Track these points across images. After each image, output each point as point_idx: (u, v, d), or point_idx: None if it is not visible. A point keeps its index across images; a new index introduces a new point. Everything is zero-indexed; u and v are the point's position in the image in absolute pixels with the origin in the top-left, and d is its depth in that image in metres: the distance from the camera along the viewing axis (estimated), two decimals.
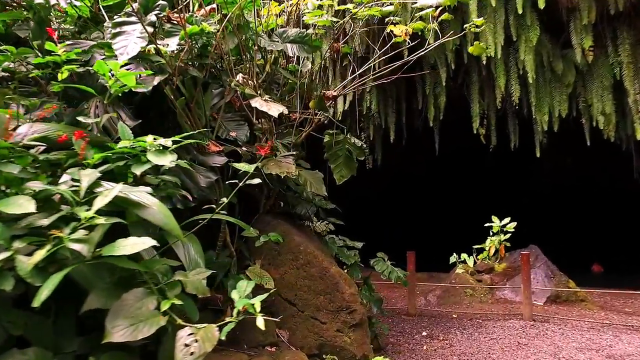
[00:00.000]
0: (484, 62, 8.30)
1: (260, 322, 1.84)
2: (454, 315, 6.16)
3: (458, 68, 9.39)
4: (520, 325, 5.48)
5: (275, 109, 3.00)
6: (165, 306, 1.77)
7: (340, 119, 10.12)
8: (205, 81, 3.21)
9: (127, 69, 3.11)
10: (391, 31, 4.14)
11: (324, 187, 3.76)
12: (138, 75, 2.81)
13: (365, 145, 4.27)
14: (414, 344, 4.84)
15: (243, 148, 3.39)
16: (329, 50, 4.53)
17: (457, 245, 8.60)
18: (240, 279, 3.23)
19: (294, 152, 3.54)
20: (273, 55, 4.05)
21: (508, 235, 7.74)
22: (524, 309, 5.82)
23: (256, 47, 3.62)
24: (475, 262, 7.85)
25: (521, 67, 8.31)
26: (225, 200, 3.28)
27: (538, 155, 9.28)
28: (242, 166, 2.93)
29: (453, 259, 7.80)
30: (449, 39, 4.66)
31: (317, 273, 3.50)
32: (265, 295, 2.02)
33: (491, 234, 7.89)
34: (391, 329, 5.41)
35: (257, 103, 3.01)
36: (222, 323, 1.85)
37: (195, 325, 1.78)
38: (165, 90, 2.87)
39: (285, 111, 3.12)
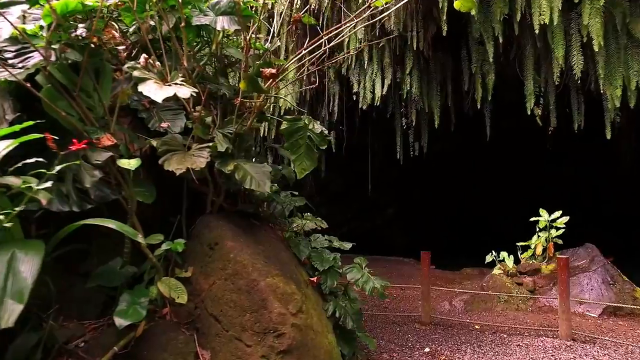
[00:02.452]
0: (537, 32, 6.90)
1: None
2: (476, 326, 5.13)
3: (509, 42, 8.07)
4: (552, 345, 4.36)
5: (161, 93, 2.39)
6: None
7: (378, 104, 9.29)
8: (99, 66, 2.68)
9: (29, 57, 2.71)
10: None
11: (267, 183, 3.09)
12: None
13: (326, 132, 3.49)
14: None
15: (154, 141, 2.83)
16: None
17: (511, 241, 7.33)
18: (144, 291, 2.73)
19: (210, 144, 2.90)
20: (221, 34, 3.42)
21: (560, 232, 6.38)
22: (561, 324, 4.65)
23: (183, 24, 3.01)
24: (519, 262, 6.60)
25: (585, 34, 6.81)
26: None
27: (608, 136, 7.69)
28: (123, 162, 2.37)
29: (490, 257, 6.61)
30: None
31: (245, 286, 2.87)
32: None
33: (537, 229, 6.57)
34: (392, 341, 4.60)
35: (144, 87, 2.42)
36: None
37: None
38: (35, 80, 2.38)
39: (184, 94, 2.49)
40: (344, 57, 9.01)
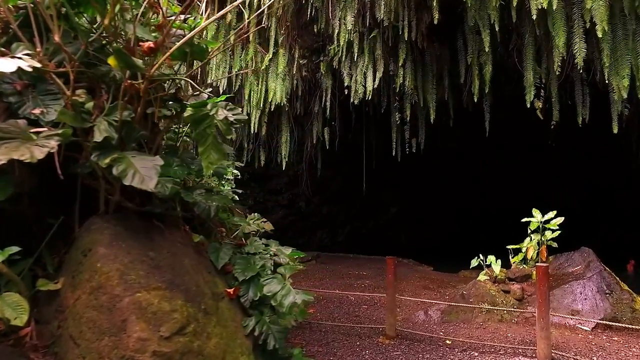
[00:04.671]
0: (535, 18, 6.02)
1: None
2: (447, 342, 4.36)
3: (507, 30, 7.19)
4: None
5: None
6: None
7: (371, 98, 8.53)
8: None
9: None
10: None
11: (153, 180, 2.46)
12: None
13: (233, 119, 2.83)
14: None
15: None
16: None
17: (515, 241, 6.41)
18: None
19: (60, 131, 2.30)
20: (117, 7, 2.81)
21: (555, 234, 5.48)
22: (539, 343, 3.83)
23: None
24: (510, 267, 5.73)
25: (588, 19, 5.90)
26: None
27: (615, 131, 6.72)
28: None
29: (475, 262, 5.76)
30: None
31: (107, 303, 2.27)
32: None
33: (529, 231, 5.67)
34: (344, 359, 3.88)
35: None
36: None
37: None
38: None
39: (5, 68, 1.90)
40: (335, 50, 8.34)
